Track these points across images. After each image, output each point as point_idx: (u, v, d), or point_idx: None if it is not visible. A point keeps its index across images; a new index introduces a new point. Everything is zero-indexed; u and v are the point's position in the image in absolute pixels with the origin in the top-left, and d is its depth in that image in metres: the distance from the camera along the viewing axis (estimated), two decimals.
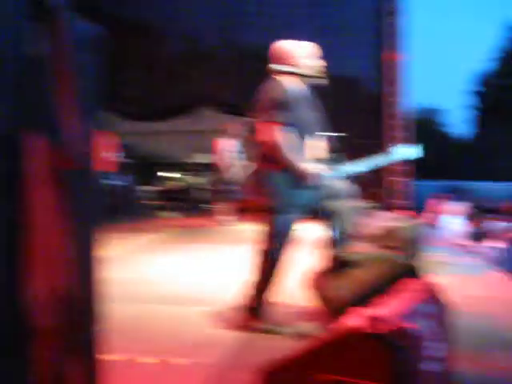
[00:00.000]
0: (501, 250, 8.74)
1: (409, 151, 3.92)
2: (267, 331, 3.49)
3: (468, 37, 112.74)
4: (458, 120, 54.80)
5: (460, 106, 44.20)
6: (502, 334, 3.65)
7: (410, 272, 3.36)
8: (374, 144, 8.93)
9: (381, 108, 10.14)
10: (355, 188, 3.69)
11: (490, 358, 3.17)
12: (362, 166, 3.72)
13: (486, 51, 58.04)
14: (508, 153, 30.05)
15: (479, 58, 69.67)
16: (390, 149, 3.97)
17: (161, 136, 12.61)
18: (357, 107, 10.26)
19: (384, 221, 4.58)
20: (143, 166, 12.06)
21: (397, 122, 9.90)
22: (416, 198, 10.81)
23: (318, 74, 3.59)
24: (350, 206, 3.60)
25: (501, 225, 9.76)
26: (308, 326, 3.47)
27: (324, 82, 3.61)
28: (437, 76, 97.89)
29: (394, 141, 9.59)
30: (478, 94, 42.53)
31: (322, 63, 3.62)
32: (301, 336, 3.33)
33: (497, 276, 5.79)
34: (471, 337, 3.43)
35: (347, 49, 10.03)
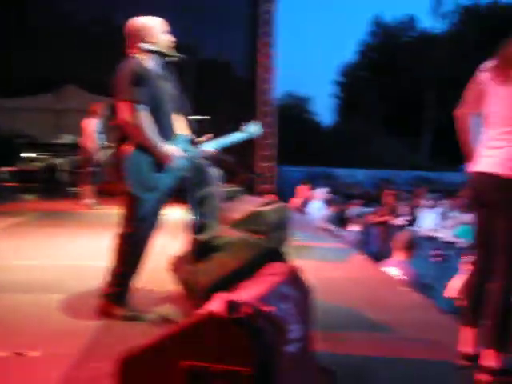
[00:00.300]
0: (361, 233, 9.20)
1: (255, 129, 4.00)
2: (129, 318, 3.39)
3: (342, 28, 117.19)
4: (327, 108, 56.98)
5: (328, 95, 45.95)
6: (360, 314, 3.83)
7: (274, 256, 3.41)
8: None
9: (254, 94, 10.25)
10: (219, 172, 3.67)
11: (348, 338, 3.30)
12: (215, 144, 3.73)
13: (353, 44, 60.76)
14: (366, 141, 31.69)
15: (349, 50, 72.85)
16: (241, 127, 4.01)
17: (20, 113, 11.88)
18: (230, 92, 10.30)
19: (249, 205, 4.62)
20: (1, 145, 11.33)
21: (270, 109, 10.07)
22: (283, 184, 11.10)
23: (172, 51, 3.53)
24: (214, 190, 3.57)
25: (361, 210, 10.26)
26: (171, 312, 3.42)
27: (178, 58, 3.55)
28: (309, 65, 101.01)
29: (268, 126, 9.77)
30: (341, 84, 44.56)
31: (172, 39, 3.55)
32: (164, 322, 3.27)
33: (357, 259, 6.07)
34: (331, 318, 3.56)
35: (222, 34, 10.03)
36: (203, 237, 3.55)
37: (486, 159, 2.76)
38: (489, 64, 2.80)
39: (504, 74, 2.67)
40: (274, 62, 10.24)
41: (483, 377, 2.65)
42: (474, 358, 2.77)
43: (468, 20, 38.39)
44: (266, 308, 1.94)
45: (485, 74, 2.81)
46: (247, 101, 10.19)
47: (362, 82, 41.25)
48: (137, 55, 3.45)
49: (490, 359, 2.64)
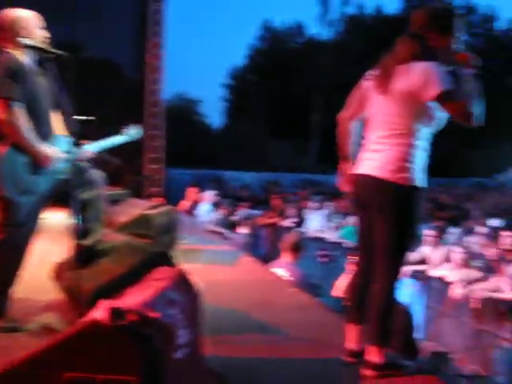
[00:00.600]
0: (250, 236, 9.29)
1: (136, 132, 3.94)
2: (8, 329, 3.18)
3: (233, 31, 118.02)
4: (217, 111, 57.21)
5: (219, 98, 46.07)
6: (249, 316, 3.83)
7: (162, 260, 3.34)
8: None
9: (143, 95, 10.03)
10: (103, 174, 3.55)
11: (238, 341, 3.30)
12: (96, 146, 3.62)
13: (243, 47, 61.44)
14: (255, 144, 32.13)
15: (239, 53, 73.44)
16: (123, 130, 3.93)
17: None
18: (118, 93, 10.01)
19: (135, 208, 4.51)
20: None
21: (158, 110, 9.90)
22: (171, 186, 10.97)
23: (47, 46, 3.37)
24: (97, 193, 3.45)
25: (250, 212, 10.36)
26: (53, 321, 3.26)
27: (56, 54, 3.40)
28: (200, 67, 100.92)
29: (156, 128, 9.59)
30: (230, 87, 44.97)
31: (47, 35, 3.39)
32: (45, 332, 3.10)
33: (246, 261, 6.10)
34: (220, 321, 3.53)
35: (110, 33, 9.72)
36: (87, 242, 3.41)
37: (367, 162, 2.87)
38: (371, 73, 2.94)
39: (383, 85, 2.80)
40: (163, 63, 10.10)
41: (368, 372, 2.75)
42: (359, 355, 2.87)
43: (353, 29, 40.00)
44: (152, 314, 1.89)
45: (368, 82, 2.94)
46: (135, 102, 9.96)
47: (250, 85, 41.83)
48: (11, 50, 3.25)
49: (373, 355, 2.75)
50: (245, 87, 41.99)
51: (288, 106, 38.81)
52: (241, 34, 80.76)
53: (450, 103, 2.63)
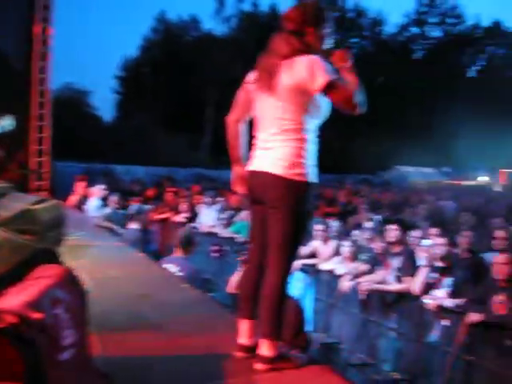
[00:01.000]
0: (141, 231, 9.12)
1: (8, 123, 3.76)
2: None
3: (127, 22, 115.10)
4: (109, 103, 55.74)
5: (110, 89, 44.90)
6: (140, 313, 3.75)
7: (47, 257, 3.18)
8: (21, 122, 8.35)
9: (29, 84, 9.53)
10: None
11: (127, 339, 3.20)
12: None
13: (138, 38, 60.26)
14: (147, 137, 31.58)
15: (134, 43, 71.94)
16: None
17: None
18: (2, 81, 9.45)
19: (19, 203, 4.27)
20: None
21: (45, 100, 9.45)
22: (59, 180, 10.55)
23: None
24: None
25: (141, 207, 10.17)
26: None
27: None
28: (91, 57, 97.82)
29: (42, 119, 9.15)
30: (123, 79, 44.04)
31: None
32: None
33: (136, 257, 5.99)
34: (109, 319, 3.43)
35: None
36: None
37: (260, 159, 2.91)
38: (253, 75, 2.98)
39: (268, 83, 2.84)
40: (51, 51, 9.65)
41: (260, 365, 2.77)
42: (251, 349, 2.88)
43: (248, 25, 40.40)
44: (34, 315, 1.78)
45: (251, 83, 2.99)
46: (21, 91, 9.45)
47: (144, 77, 41.15)
48: None
49: (265, 348, 2.78)
50: (138, 79, 41.26)
51: (182, 100, 38.62)
52: (136, 25, 79.06)
53: (336, 92, 2.70)
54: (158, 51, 42.49)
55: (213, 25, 50.99)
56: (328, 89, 2.69)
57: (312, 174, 2.82)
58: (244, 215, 8.71)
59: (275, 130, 2.84)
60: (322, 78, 2.68)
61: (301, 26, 2.86)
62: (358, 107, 2.71)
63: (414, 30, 49.41)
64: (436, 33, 49.52)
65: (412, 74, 43.34)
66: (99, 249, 6.06)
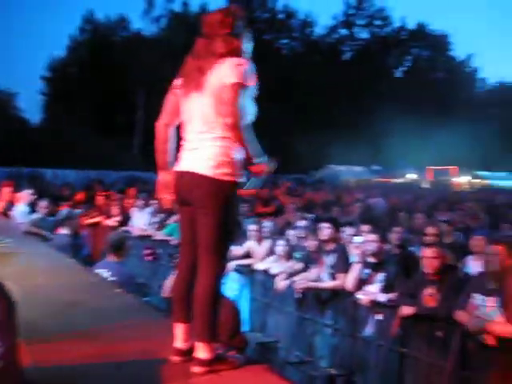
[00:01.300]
0: (72, 236, 8.87)
1: None
2: None
3: (55, 21, 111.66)
4: (35, 105, 54.03)
5: (37, 91, 43.53)
6: (71, 321, 3.65)
7: None
8: None
9: None
10: None
11: (59, 348, 3.11)
12: None
13: (64, 37, 58.74)
14: (76, 140, 30.77)
15: (59, 45, 69.98)
16: None
17: None
18: None
19: None
20: None
21: None
22: None
23: None
24: None
25: (72, 212, 9.89)
26: None
27: None
28: (17, 57, 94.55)
29: None
30: (49, 80, 42.85)
31: None
32: None
33: (66, 263, 5.83)
34: (39, 328, 3.32)
35: None
36: None
37: (187, 160, 2.90)
38: (180, 79, 2.99)
39: (195, 85, 2.85)
40: None
41: (197, 368, 2.75)
42: (188, 352, 2.85)
43: (178, 26, 40.07)
44: None
45: (177, 89, 2.99)
46: None
47: (71, 78, 40.15)
48: None
49: (202, 351, 2.76)
50: (65, 80, 40.21)
51: (111, 101, 37.90)
52: (63, 25, 77.10)
53: (235, 104, 2.70)
54: (85, 51, 41.54)
55: (142, 25, 50.28)
56: (234, 90, 2.70)
57: (239, 173, 2.82)
58: (176, 217, 8.62)
59: (202, 129, 2.84)
60: (234, 77, 2.71)
61: (221, 30, 2.87)
62: (239, 135, 2.71)
63: (343, 31, 50.52)
64: (364, 34, 50.84)
65: (341, 74, 44.23)
66: (27, 256, 5.85)
